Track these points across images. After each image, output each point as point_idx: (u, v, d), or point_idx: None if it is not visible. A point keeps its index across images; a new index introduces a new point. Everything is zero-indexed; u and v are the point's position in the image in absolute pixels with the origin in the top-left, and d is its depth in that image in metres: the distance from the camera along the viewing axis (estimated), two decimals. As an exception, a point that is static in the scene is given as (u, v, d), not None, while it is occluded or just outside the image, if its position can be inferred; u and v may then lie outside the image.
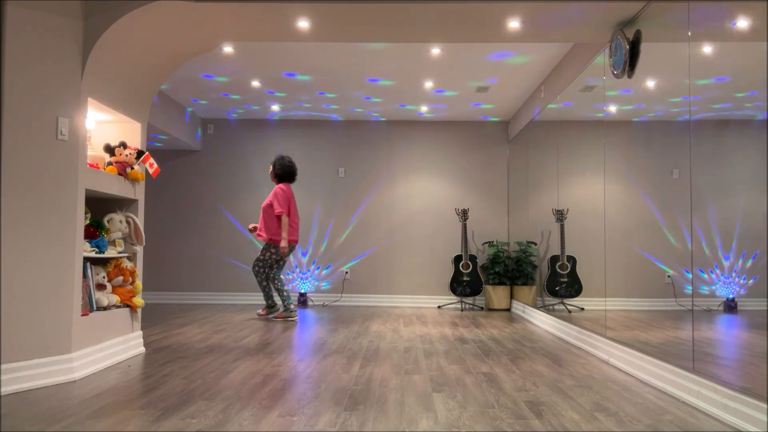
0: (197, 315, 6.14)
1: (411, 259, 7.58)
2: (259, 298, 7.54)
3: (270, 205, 5.70)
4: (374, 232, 7.61)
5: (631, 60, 3.54)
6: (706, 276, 2.75)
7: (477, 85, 6.02)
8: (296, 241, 5.79)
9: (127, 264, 3.78)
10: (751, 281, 2.46)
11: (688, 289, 2.91)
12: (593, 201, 4.25)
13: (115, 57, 3.49)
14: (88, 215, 3.53)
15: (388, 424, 2.36)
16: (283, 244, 5.58)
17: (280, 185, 5.75)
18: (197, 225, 7.65)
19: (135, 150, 3.80)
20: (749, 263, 2.45)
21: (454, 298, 7.48)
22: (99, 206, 3.83)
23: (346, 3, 3.39)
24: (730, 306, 2.62)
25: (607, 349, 3.77)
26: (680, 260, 2.99)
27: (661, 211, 3.26)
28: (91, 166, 3.44)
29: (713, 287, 2.70)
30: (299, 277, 7.56)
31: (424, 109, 7.05)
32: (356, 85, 6.10)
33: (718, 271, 2.65)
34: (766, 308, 2.36)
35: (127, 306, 3.79)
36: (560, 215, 5.10)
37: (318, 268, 7.56)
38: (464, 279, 7.08)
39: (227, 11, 3.46)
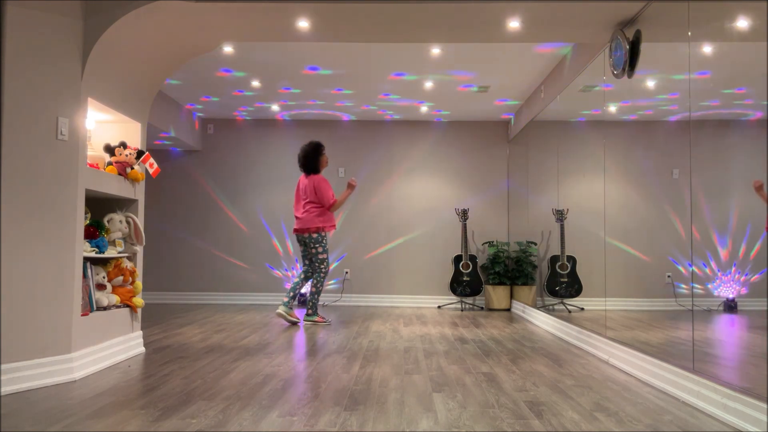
0: (197, 315, 6.14)
1: (411, 259, 7.58)
2: (258, 299, 7.54)
3: None
4: (374, 232, 7.60)
5: (631, 60, 3.54)
6: (706, 276, 2.75)
7: (477, 85, 6.02)
8: (295, 231, 5.52)
9: (127, 264, 3.78)
10: (751, 280, 2.46)
11: (688, 289, 2.91)
12: (593, 201, 4.25)
13: (115, 57, 3.49)
14: (88, 215, 3.53)
15: (388, 424, 2.36)
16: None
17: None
18: (197, 225, 7.65)
19: (135, 150, 3.80)
20: (749, 263, 2.45)
21: (454, 298, 7.48)
22: (99, 206, 3.83)
23: (346, 3, 3.39)
24: (730, 306, 2.62)
25: (607, 349, 3.77)
26: (680, 260, 2.99)
27: (661, 211, 3.26)
28: (91, 166, 3.44)
29: (713, 287, 2.70)
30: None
31: (424, 109, 7.05)
32: (355, 85, 6.10)
33: (718, 271, 2.65)
34: (766, 308, 2.36)
35: (127, 306, 3.78)
36: (560, 215, 5.10)
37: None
38: (464, 279, 7.08)
39: (227, 11, 3.46)
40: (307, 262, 5.58)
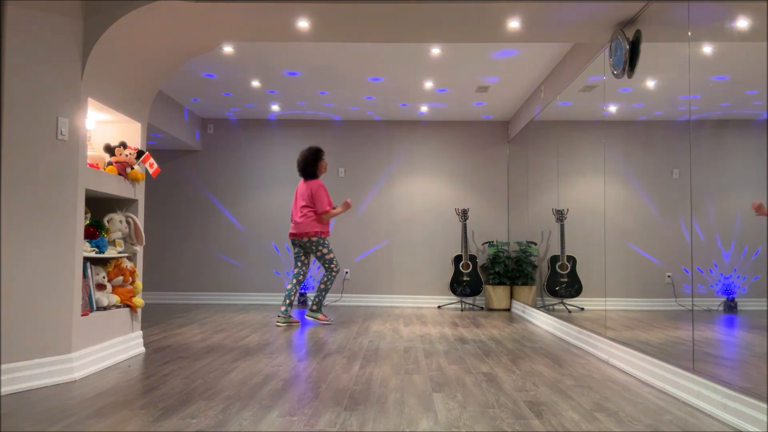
0: (197, 315, 6.14)
1: (411, 259, 7.58)
2: (259, 299, 7.54)
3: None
4: (374, 232, 7.61)
5: (631, 60, 3.54)
6: (706, 276, 2.75)
7: (477, 85, 6.02)
8: (292, 235, 5.51)
9: (127, 264, 3.78)
10: (751, 281, 2.46)
11: (688, 289, 2.91)
12: (593, 201, 4.25)
13: (115, 57, 3.49)
14: (88, 215, 3.53)
15: (388, 424, 2.36)
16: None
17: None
18: (197, 225, 7.65)
19: (135, 150, 3.80)
20: (749, 263, 2.45)
21: (454, 298, 7.48)
22: (99, 206, 3.83)
23: (346, 3, 3.39)
24: (730, 306, 2.62)
25: (607, 349, 3.77)
26: (680, 260, 2.99)
27: (661, 210, 3.26)
28: (91, 166, 3.44)
29: (713, 287, 2.70)
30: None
31: (424, 109, 7.05)
32: (356, 85, 6.10)
33: (718, 271, 2.65)
34: (766, 308, 2.36)
35: (127, 306, 3.79)
36: (560, 215, 5.10)
37: (318, 268, 7.56)
38: (464, 279, 7.08)
39: (227, 11, 3.46)
40: (299, 264, 5.55)
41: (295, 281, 5.52)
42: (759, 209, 2.36)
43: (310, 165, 5.52)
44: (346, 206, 5.51)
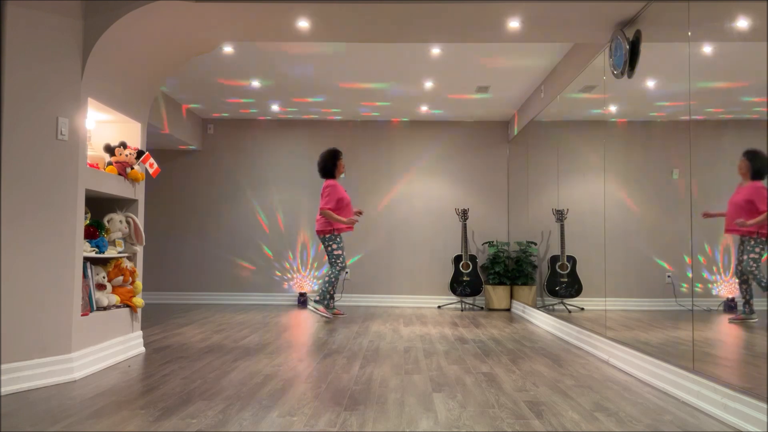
0: (197, 315, 6.14)
1: (411, 259, 7.58)
2: (259, 299, 7.54)
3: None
4: (374, 232, 7.60)
5: (631, 60, 3.54)
6: (706, 276, 2.75)
7: (477, 85, 6.02)
8: (316, 232, 5.75)
9: (127, 264, 3.78)
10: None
11: (689, 289, 2.91)
12: (593, 201, 4.25)
13: (115, 57, 3.49)
14: (88, 215, 3.53)
15: (388, 424, 2.36)
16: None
17: None
18: (197, 225, 7.65)
19: (135, 150, 3.80)
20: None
21: (454, 298, 7.48)
22: (99, 206, 3.84)
23: (346, 3, 3.39)
24: (730, 306, 2.62)
25: (607, 349, 3.77)
26: (680, 260, 2.99)
27: (661, 211, 3.26)
28: (91, 166, 3.44)
29: (713, 287, 2.70)
30: (299, 277, 7.56)
31: (424, 109, 7.05)
32: (356, 85, 6.09)
33: (718, 271, 2.65)
34: (765, 308, 2.36)
35: (127, 306, 3.79)
36: (560, 215, 5.09)
37: (318, 268, 7.56)
38: (464, 279, 7.08)
39: (227, 11, 3.46)
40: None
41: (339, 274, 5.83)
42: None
43: (328, 164, 5.79)
44: (350, 222, 5.65)
